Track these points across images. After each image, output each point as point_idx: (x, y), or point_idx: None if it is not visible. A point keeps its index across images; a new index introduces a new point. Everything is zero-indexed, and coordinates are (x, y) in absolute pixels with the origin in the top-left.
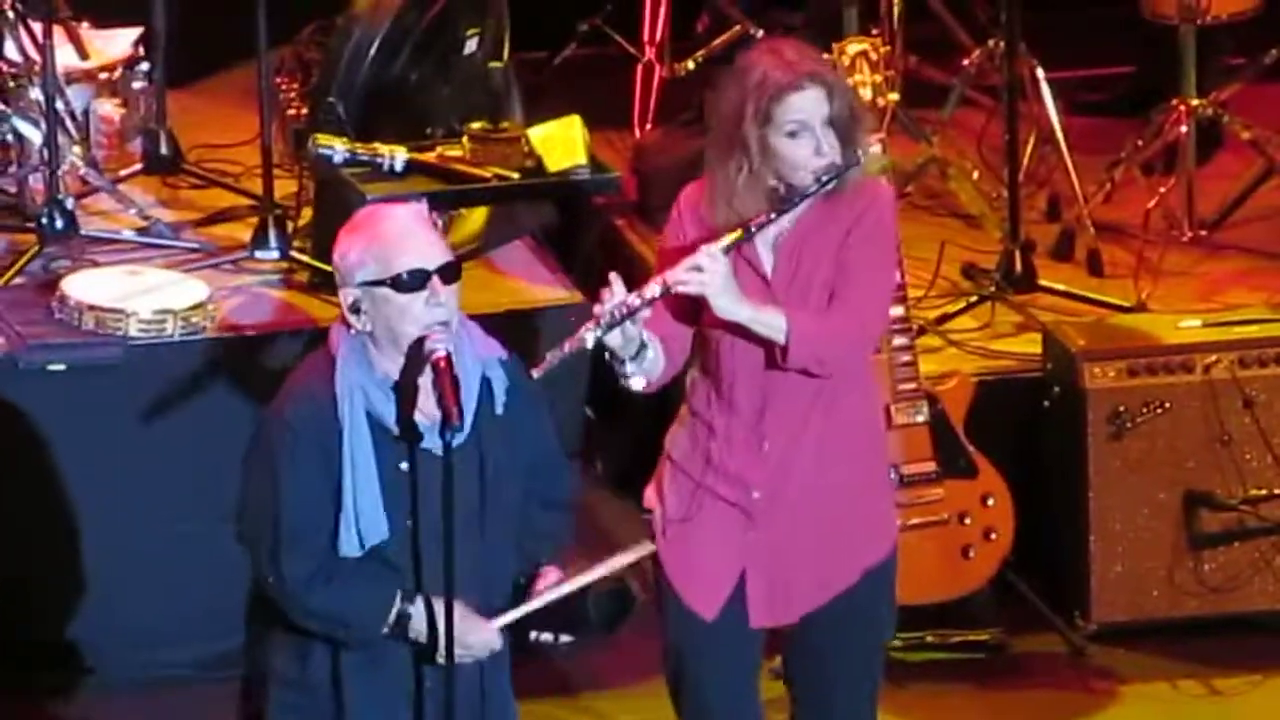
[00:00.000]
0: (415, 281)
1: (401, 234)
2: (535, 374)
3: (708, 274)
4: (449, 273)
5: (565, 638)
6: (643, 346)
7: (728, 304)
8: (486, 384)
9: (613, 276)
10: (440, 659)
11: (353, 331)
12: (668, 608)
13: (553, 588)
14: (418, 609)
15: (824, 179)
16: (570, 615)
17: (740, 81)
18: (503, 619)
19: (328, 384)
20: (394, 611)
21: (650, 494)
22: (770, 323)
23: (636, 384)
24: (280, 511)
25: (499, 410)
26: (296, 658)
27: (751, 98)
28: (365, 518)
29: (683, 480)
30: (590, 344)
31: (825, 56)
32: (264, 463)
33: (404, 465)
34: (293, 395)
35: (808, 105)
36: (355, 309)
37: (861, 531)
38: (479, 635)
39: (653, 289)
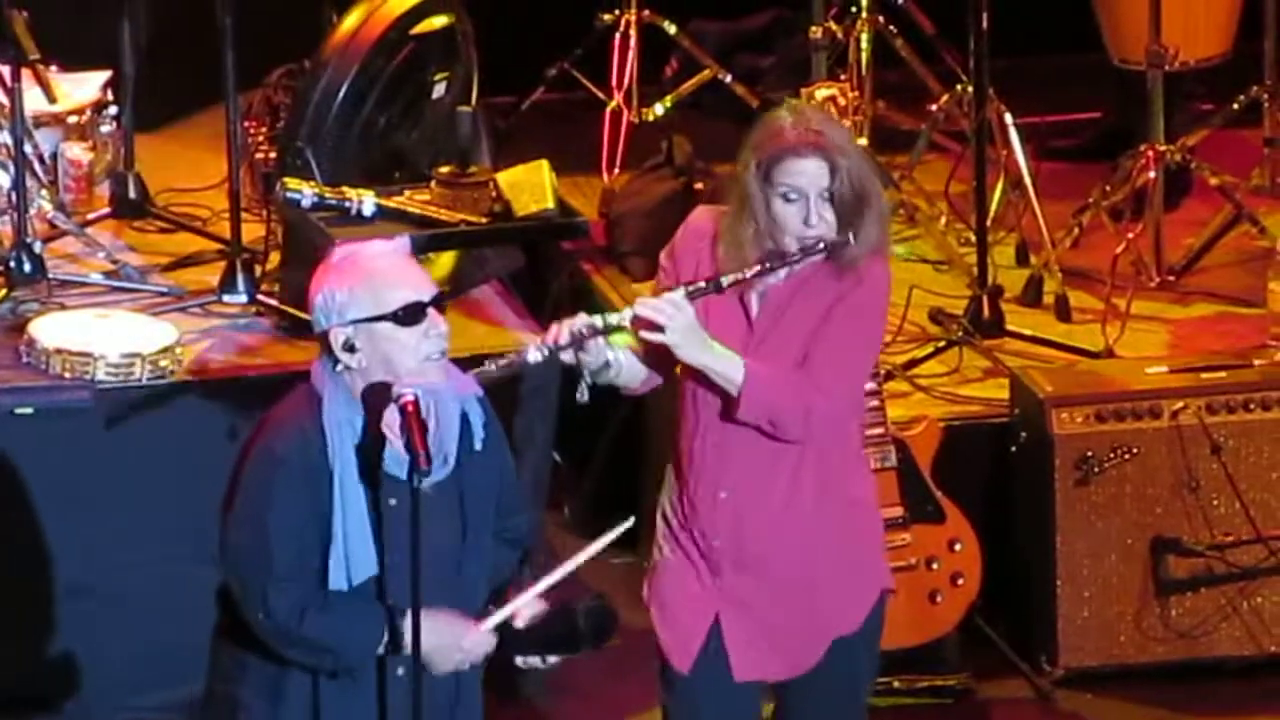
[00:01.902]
0: (415, 315)
1: (392, 269)
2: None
3: (668, 320)
4: (440, 303)
5: (553, 659)
6: (606, 365)
7: (689, 351)
8: (465, 420)
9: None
10: (439, 670)
11: (338, 368)
12: (659, 661)
13: (530, 588)
14: (407, 624)
15: (808, 250)
16: (558, 633)
17: (757, 132)
18: (491, 619)
19: (314, 420)
20: (385, 631)
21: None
22: (728, 374)
23: (581, 397)
24: (271, 547)
25: (478, 446)
26: (270, 692)
27: (757, 153)
28: (355, 555)
29: (663, 529)
30: (532, 360)
31: (843, 128)
32: (251, 499)
33: (393, 501)
34: (280, 430)
35: (806, 173)
36: (349, 347)
37: (829, 599)
38: (472, 639)
39: (619, 316)
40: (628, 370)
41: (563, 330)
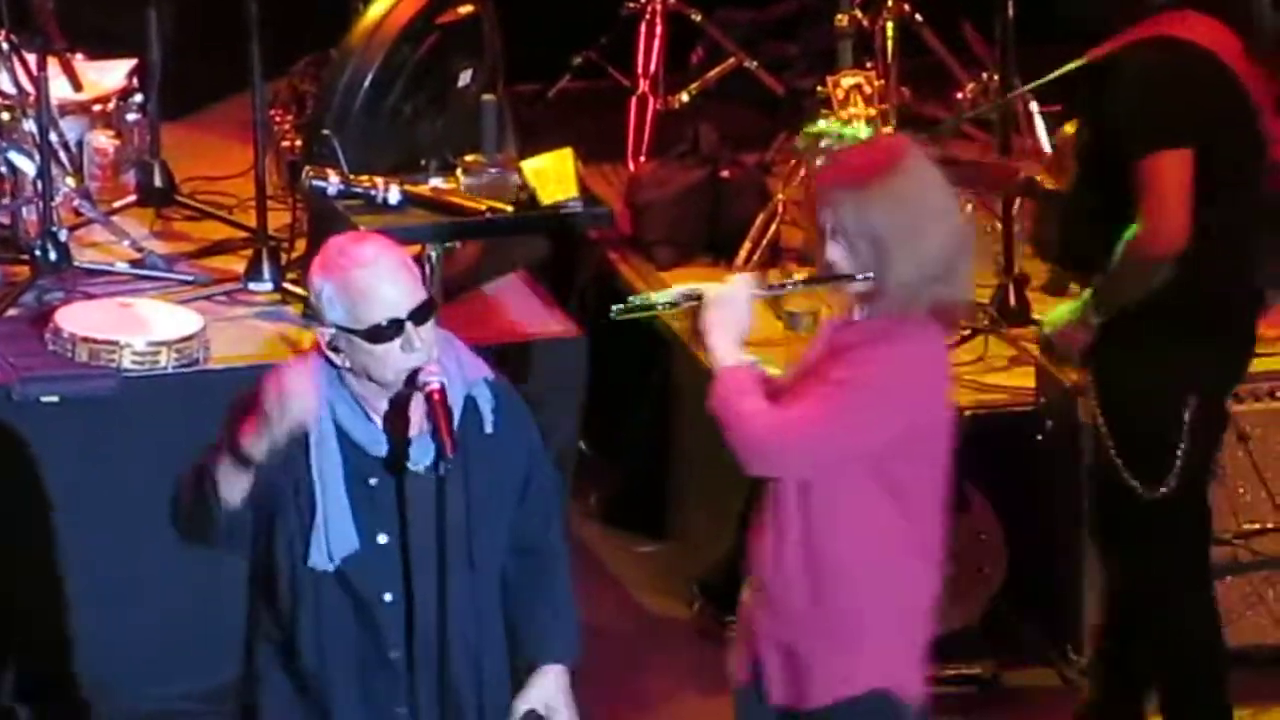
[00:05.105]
0: (389, 333)
1: (370, 283)
2: None
3: (719, 290)
4: (421, 315)
5: None
6: None
7: (710, 330)
8: (472, 403)
9: None
10: None
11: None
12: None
13: None
14: None
15: (824, 278)
16: None
17: None
18: None
19: None
20: None
21: None
22: (718, 358)
23: None
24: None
25: (488, 429)
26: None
27: None
28: (334, 530)
29: None
30: None
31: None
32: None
33: (372, 481)
34: None
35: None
36: (333, 347)
37: (831, 658)
38: None
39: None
40: None
41: None
